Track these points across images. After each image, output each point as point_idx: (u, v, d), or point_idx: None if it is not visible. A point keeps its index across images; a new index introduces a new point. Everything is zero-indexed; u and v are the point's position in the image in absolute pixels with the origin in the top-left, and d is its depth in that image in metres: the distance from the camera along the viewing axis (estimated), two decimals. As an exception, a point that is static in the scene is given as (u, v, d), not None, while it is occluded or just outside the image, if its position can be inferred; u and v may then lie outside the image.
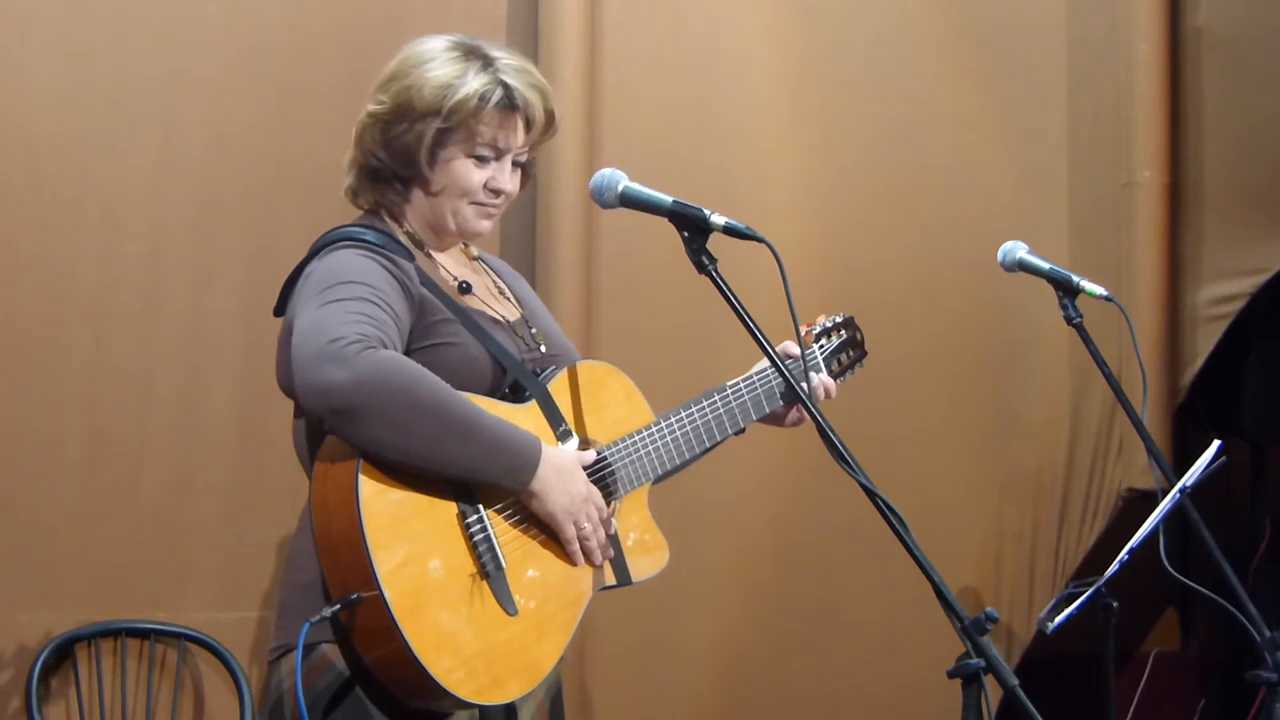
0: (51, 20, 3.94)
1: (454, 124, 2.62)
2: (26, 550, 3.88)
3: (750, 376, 2.85)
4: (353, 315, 2.43)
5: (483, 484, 2.48)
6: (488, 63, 2.66)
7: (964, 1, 4.87)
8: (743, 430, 2.88)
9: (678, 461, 2.74)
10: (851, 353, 3.06)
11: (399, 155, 2.65)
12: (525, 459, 2.48)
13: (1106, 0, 4.87)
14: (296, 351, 2.42)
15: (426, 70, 2.64)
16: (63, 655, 3.89)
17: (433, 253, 2.71)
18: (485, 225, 2.70)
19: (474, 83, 2.62)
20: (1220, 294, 4.82)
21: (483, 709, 2.53)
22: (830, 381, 2.96)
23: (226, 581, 4.04)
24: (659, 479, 2.77)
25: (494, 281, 2.80)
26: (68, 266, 3.95)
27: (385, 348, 2.41)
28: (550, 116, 2.69)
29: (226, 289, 4.06)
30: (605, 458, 2.64)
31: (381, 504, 2.40)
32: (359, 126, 2.69)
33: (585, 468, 2.59)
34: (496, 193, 2.66)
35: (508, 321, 2.70)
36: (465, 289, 2.69)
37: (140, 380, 4.00)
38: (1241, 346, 4.93)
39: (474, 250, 2.82)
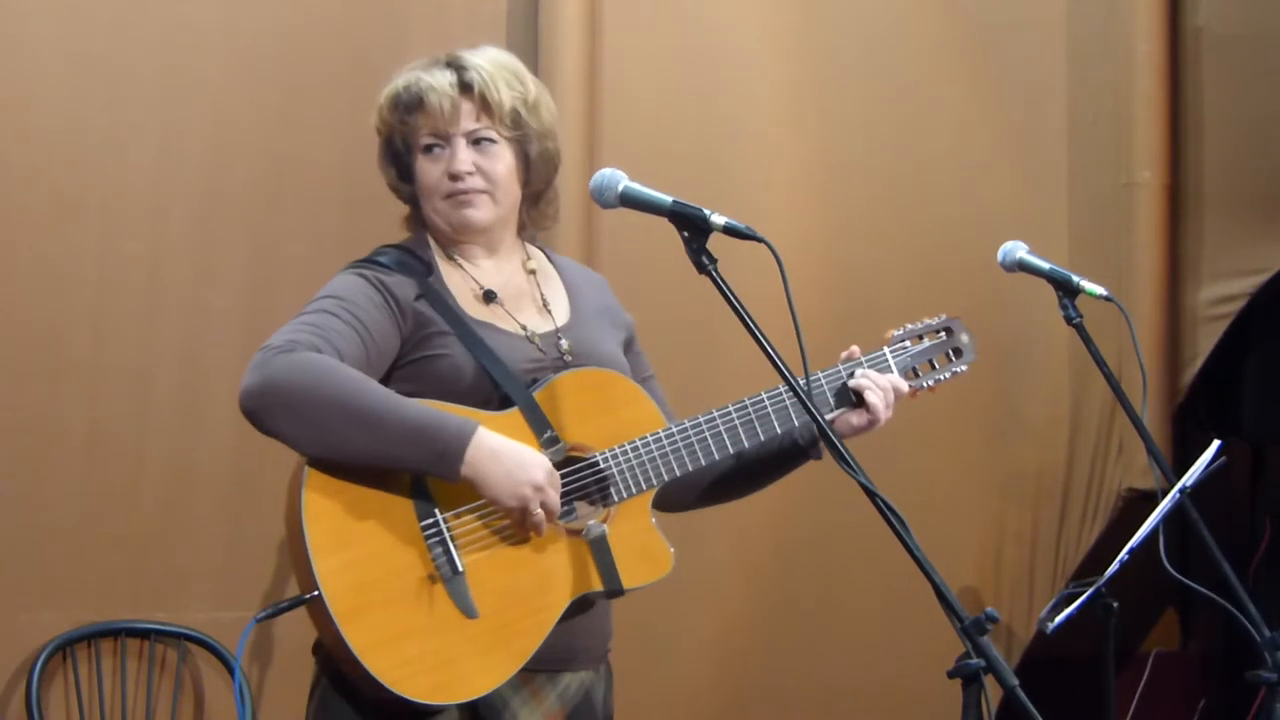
0: (51, 20, 3.94)
1: (390, 133, 2.72)
2: (26, 550, 3.88)
3: (777, 389, 2.75)
4: (297, 325, 2.53)
5: (418, 474, 2.50)
6: (427, 65, 2.72)
7: (964, 1, 4.88)
8: (796, 448, 2.82)
9: (689, 468, 2.68)
10: (951, 355, 2.94)
11: (391, 177, 2.77)
12: (446, 443, 2.47)
13: (1106, 0, 4.87)
14: None
15: (379, 94, 2.75)
16: (63, 655, 3.89)
17: (465, 261, 2.73)
18: (470, 213, 2.69)
19: (388, 89, 2.72)
20: (1220, 294, 4.83)
21: (473, 707, 2.53)
22: (899, 381, 2.83)
23: (226, 581, 4.04)
24: (698, 487, 2.79)
25: (539, 294, 2.78)
26: (68, 266, 3.95)
27: (320, 352, 2.47)
28: (470, 88, 2.67)
29: (226, 289, 4.06)
30: (595, 461, 2.62)
31: (327, 507, 2.46)
32: None
33: (569, 468, 2.58)
34: (454, 176, 2.67)
35: (530, 332, 2.69)
36: (489, 297, 2.70)
37: (140, 380, 4.00)
38: (1241, 346, 4.93)
39: (533, 263, 2.80)
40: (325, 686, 2.56)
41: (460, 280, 2.70)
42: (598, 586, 2.60)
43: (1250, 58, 4.81)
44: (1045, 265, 3.42)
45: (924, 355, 2.92)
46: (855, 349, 2.86)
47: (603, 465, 2.63)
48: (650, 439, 2.66)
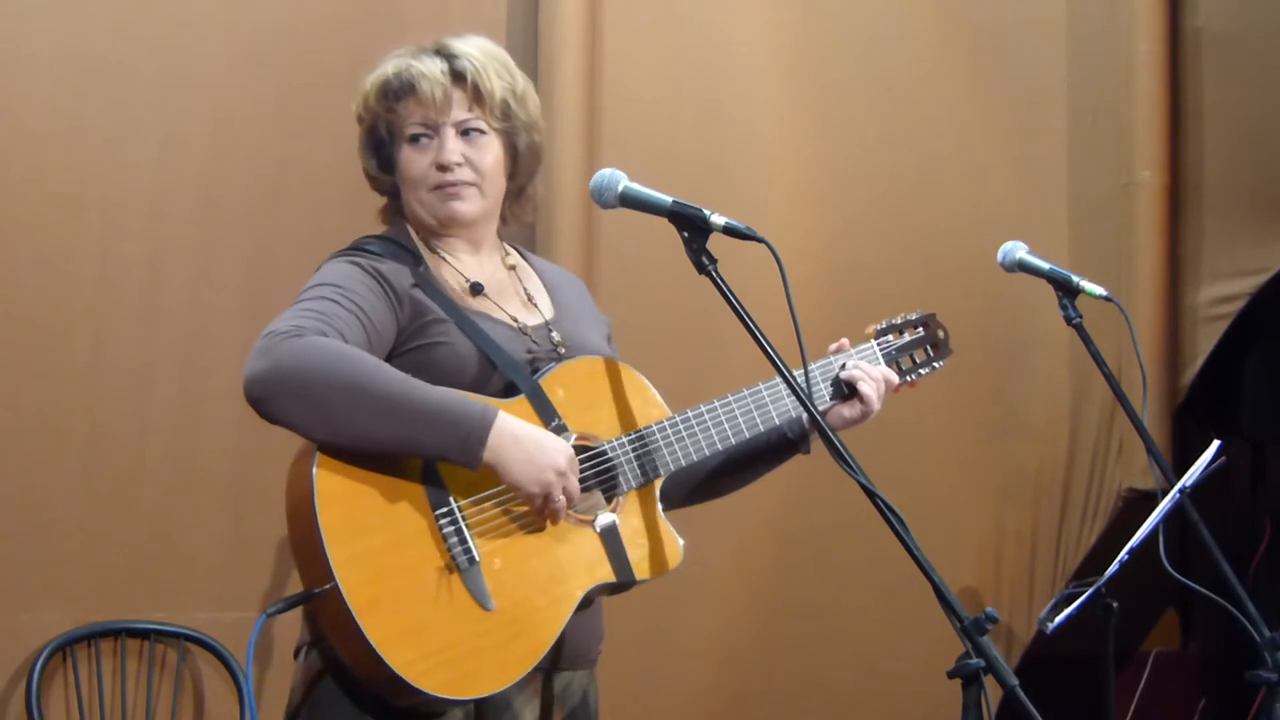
0: (51, 20, 3.94)
1: (374, 121, 2.67)
2: (26, 550, 3.88)
3: (774, 381, 2.75)
4: (299, 311, 2.45)
5: (436, 461, 2.43)
6: (415, 52, 2.67)
7: (964, 1, 4.88)
8: (785, 441, 2.81)
9: (694, 457, 2.66)
10: (930, 350, 2.96)
11: (371, 167, 2.71)
12: (470, 428, 2.41)
13: (1106, 0, 4.87)
14: None
15: (364, 81, 2.69)
16: (63, 655, 3.89)
17: (447, 255, 2.69)
18: (458, 206, 2.65)
19: (374, 76, 2.66)
20: (1220, 294, 4.83)
21: (477, 705, 2.50)
22: (890, 373, 2.84)
23: (226, 581, 4.04)
24: (688, 485, 2.76)
25: (522, 289, 2.76)
26: (68, 266, 3.95)
27: (325, 337, 2.40)
28: (462, 77, 2.64)
29: (226, 289, 4.06)
30: (603, 450, 2.60)
31: (340, 496, 2.38)
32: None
33: (581, 458, 2.54)
34: (443, 167, 2.63)
35: (520, 325, 2.67)
36: (476, 290, 2.67)
37: (140, 380, 4.00)
38: (1241, 346, 4.94)
39: (512, 260, 2.78)
40: (327, 682, 2.49)
41: (446, 272, 2.67)
42: (610, 578, 2.56)
43: (1250, 58, 4.82)
44: (1045, 265, 3.42)
45: (906, 349, 2.94)
46: (845, 341, 2.87)
47: (610, 454, 2.60)
48: (655, 428, 2.64)
